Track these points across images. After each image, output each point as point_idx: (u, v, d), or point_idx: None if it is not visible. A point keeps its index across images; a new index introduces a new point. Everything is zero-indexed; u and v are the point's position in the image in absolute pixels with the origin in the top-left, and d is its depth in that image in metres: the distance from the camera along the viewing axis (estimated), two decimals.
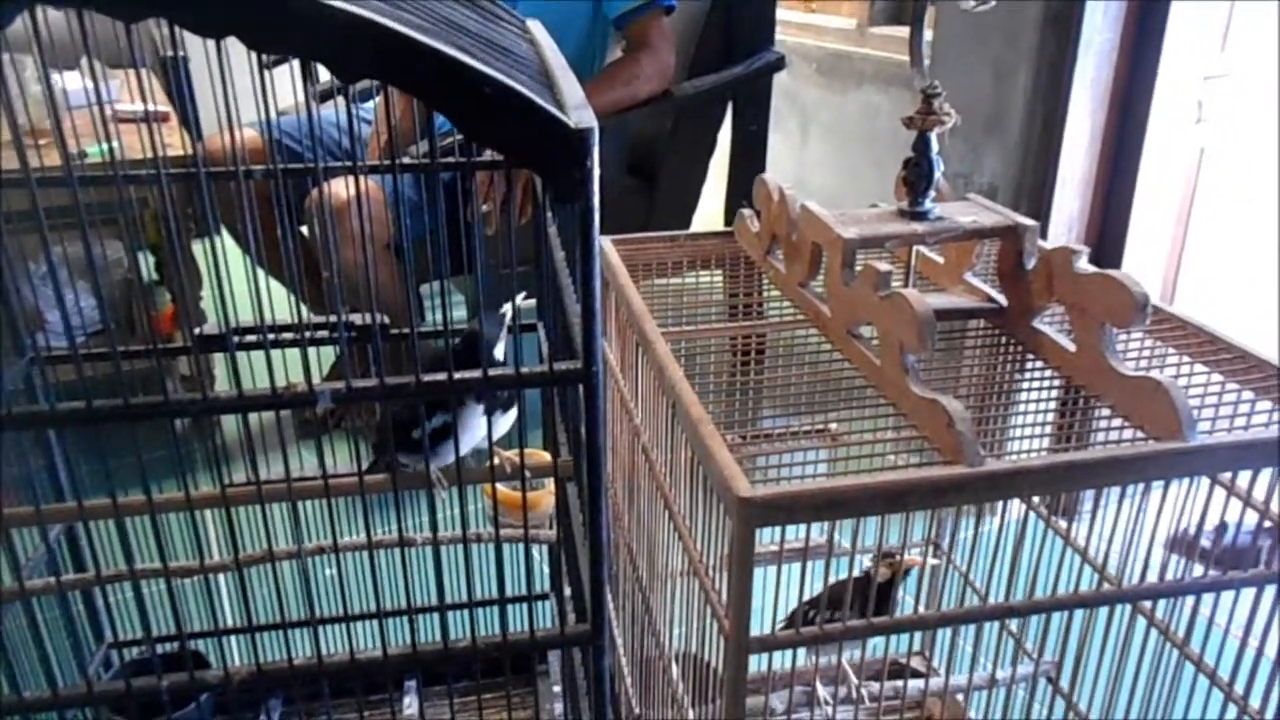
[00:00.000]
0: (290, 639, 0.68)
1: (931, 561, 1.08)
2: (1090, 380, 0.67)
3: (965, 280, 0.80)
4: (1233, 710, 0.71)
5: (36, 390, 0.89)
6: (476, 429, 0.90)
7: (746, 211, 0.91)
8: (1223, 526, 0.68)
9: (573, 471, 0.83)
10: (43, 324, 1.71)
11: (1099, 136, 1.66)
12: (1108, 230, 1.72)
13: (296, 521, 0.70)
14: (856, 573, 0.92)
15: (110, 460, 0.65)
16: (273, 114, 0.56)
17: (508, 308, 0.94)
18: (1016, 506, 0.72)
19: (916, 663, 1.16)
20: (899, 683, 0.99)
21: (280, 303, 0.94)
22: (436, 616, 0.75)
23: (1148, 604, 0.76)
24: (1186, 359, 0.72)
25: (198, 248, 1.94)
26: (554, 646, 1.04)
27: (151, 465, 0.64)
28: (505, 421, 0.93)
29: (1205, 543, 0.70)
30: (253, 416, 0.62)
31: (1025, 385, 0.74)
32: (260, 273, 0.64)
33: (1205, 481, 0.64)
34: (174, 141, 1.92)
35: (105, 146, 0.61)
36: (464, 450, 0.85)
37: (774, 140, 2.24)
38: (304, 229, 1.99)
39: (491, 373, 0.59)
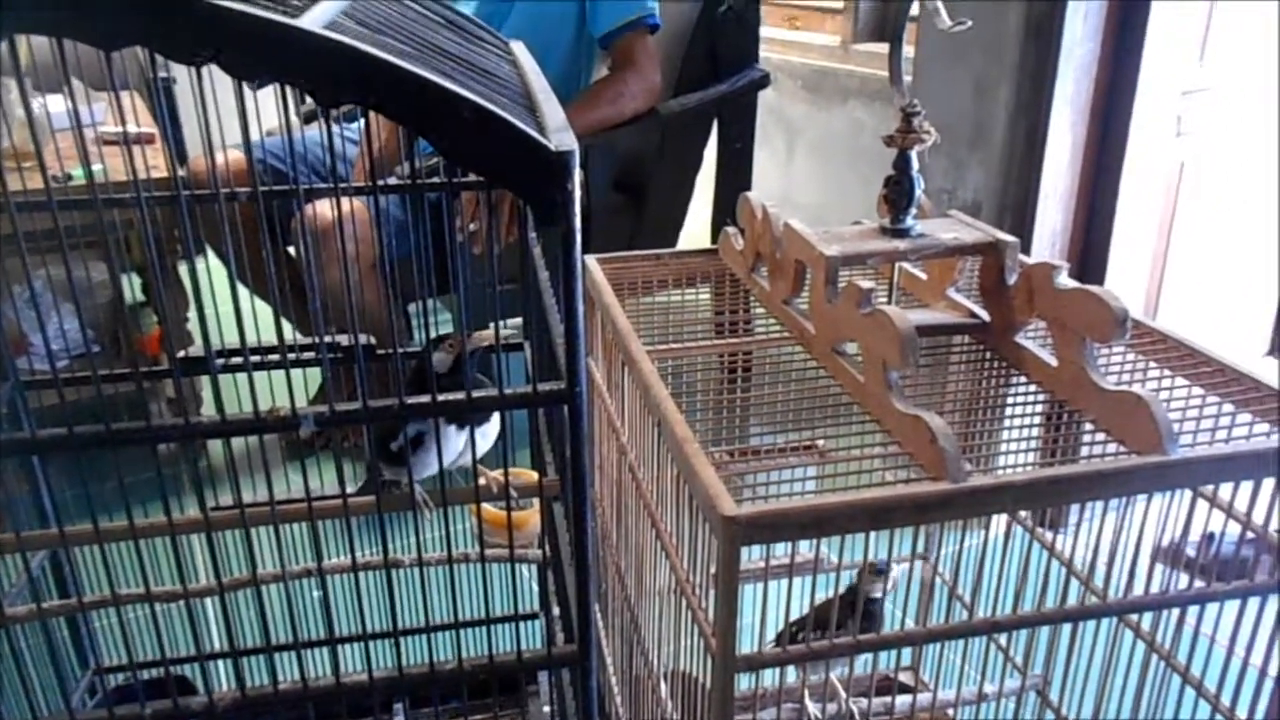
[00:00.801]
0: (275, 663, 0.68)
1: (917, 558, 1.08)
2: (1072, 395, 0.67)
3: (948, 296, 0.81)
4: None
5: (20, 414, 0.89)
6: (454, 442, 0.90)
7: (731, 229, 0.92)
8: (1210, 537, 0.68)
9: (559, 491, 0.83)
10: (27, 347, 1.71)
11: (1080, 150, 1.67)
12: (1091, 244, 1.73)
13: (280, 545, 0.69)
14: (843, 589, 0.92)
15: (94, 484, 0.64)
16: (257, 135, 0.56)
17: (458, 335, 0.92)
18: (1003, 520, 0.72)
19: (906, 677, 1.16)
20: (888, 699, 0.99)
21: (269, 324, 0.94)
22: (425, 638, 0.74)
23: (1134, 616, 0.77)
24: (1167, 373, 0.72)
25: (183, 269, 1.94)
26: (541, 668, 1.04)
27: (136, 489, 0.63)
28: (486, 437, 0.92)
29: (1190, 552, 0.70)
30: (237, 439, 0.62)
31: (1009, 400, 0.74)
32: (243, 295, 0.64)
33: (1188, 494, 0.65)
34: (160, 163, 1.92)
35: (88, 169, 0.61)
36: (445, 463, 0.85)
37: (760, 157, 2.25)
38: (291, 250, 1.98)
39: (476, 393, 0.60)
